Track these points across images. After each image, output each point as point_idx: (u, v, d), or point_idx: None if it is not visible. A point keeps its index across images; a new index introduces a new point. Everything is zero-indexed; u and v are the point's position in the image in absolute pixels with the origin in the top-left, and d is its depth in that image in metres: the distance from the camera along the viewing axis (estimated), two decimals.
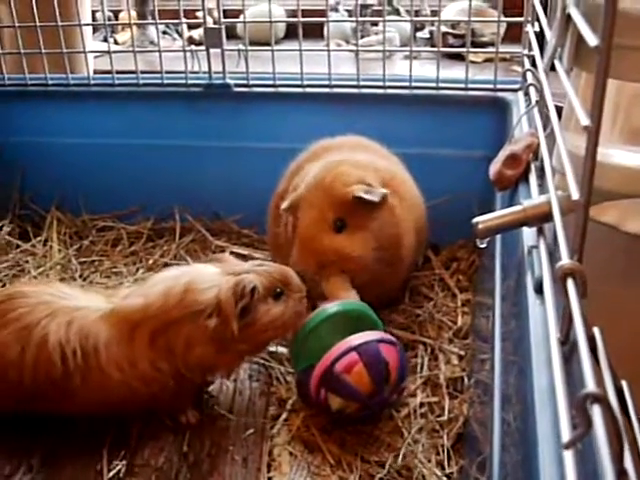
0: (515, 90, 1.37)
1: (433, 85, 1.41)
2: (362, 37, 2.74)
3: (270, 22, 1.44)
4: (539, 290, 0.69)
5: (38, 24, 1.48)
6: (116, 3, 3.00)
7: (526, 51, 1.32)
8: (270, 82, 1.47)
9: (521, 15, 1.32)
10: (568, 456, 0.43)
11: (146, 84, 1.51)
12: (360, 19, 1.60)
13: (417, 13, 2.77)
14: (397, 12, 2.91)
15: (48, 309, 0.94)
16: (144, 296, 0.94)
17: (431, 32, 2.81)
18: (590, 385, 0.44)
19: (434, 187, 1.30)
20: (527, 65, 1.25)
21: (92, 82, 1.53)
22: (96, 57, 2.06)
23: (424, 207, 1.26)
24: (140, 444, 0.98)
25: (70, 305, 0.95)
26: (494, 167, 1.00)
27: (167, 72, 1.50)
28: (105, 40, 1.77)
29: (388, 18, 2.17)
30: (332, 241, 1.07)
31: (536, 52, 1.10)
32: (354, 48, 1.49)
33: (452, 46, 2.67)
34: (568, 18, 0.81)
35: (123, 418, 1.00)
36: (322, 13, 1.51)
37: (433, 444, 0.98)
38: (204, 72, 1.50)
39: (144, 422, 1.01)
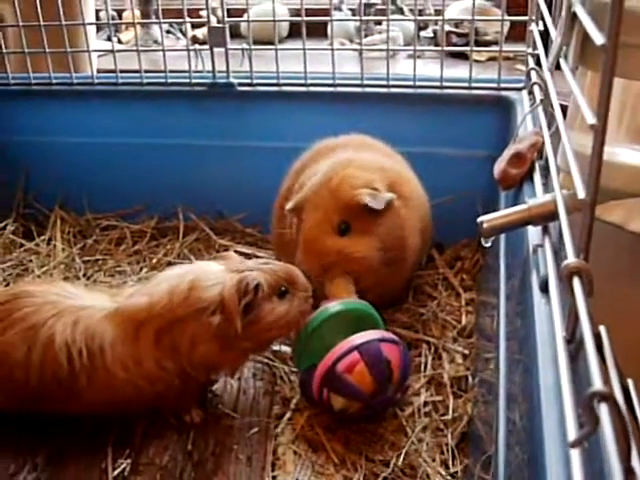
0: (519, 89, 1.37)
1: (437, 84, 1.41)
2: (366, 36, 2.74)
3: (274, 21, 1.44)
4: (544, 289, 0.69)
5: (42, 23, 1.48)
6: (120, 2, 3.00)
7: (530, 50, 1.31)
8: (274, 81, 1.47)
9: (525, 14, 1.32)
10: (575, 455, 0.43)
11: (150, 83, 1.51)
12: (364, 18, 1.60)
13: (421, 12, 2.76)
14: (401, 11, 2.91)
15: (54, 309, 0.93)
16: (149, 295, 0.94)
17: (435, 31, 2.82)
18: (597, 383, 0.44)
19: (438, 186, 1.30)
20: (531, 64, 1.25)
21: (96, 81, 1.53)
22: (100, 56, 2.06)
23: (428, 206, 1.25)
24: (145, 443, 0.98)
25: (76, 305, 0.95)
26: (498, 166, 1.00)
27: (171, 71, 1.50)
28: (109, 39, 1.77)
29: (392, 17, 2.17)
30: (336, 243, 1.07)
31: (540, 51, 1.10)
32: (358, 47, 1.49)
33: (456, 45, 2.67)
34: (574, 16, 0.81)
35: (128, 417, 1.00)
36: (326, 12, 1.50)
37: (437, 443, 0.98)
38: (208, 71, 1.50)
39: (149, 421, 1.01)
